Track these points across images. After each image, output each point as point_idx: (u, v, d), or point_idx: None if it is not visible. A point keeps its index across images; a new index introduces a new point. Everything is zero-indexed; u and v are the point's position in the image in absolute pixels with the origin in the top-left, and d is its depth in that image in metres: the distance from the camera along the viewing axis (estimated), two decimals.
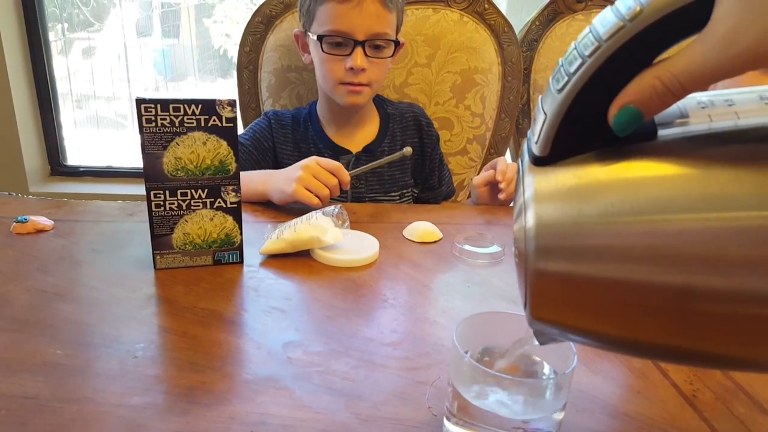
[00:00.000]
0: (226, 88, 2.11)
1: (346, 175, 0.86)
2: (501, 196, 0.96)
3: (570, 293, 0.28)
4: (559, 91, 0.27)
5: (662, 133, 0.27)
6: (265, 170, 0.93)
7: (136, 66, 2.07)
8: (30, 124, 1.87)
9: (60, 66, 1.94)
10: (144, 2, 2.03)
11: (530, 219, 0.28)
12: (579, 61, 0.26)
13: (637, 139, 0.27)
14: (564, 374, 0.38)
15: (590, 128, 0.27)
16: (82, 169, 2.00)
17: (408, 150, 0.92)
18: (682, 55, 0.24)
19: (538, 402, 0.39)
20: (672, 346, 0.28)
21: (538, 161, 0.29)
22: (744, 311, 0.25)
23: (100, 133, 2.11)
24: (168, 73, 2.17)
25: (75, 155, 2.03)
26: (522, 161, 0.31)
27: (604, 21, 0.25)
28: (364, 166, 0.93)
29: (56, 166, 1.98)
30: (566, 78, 0.26)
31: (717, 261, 0.25)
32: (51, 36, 1.88)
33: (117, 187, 1.96)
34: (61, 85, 1.95)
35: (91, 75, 2.04)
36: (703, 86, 0.24)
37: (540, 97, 0.29)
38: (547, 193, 0.28)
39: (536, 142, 0.29)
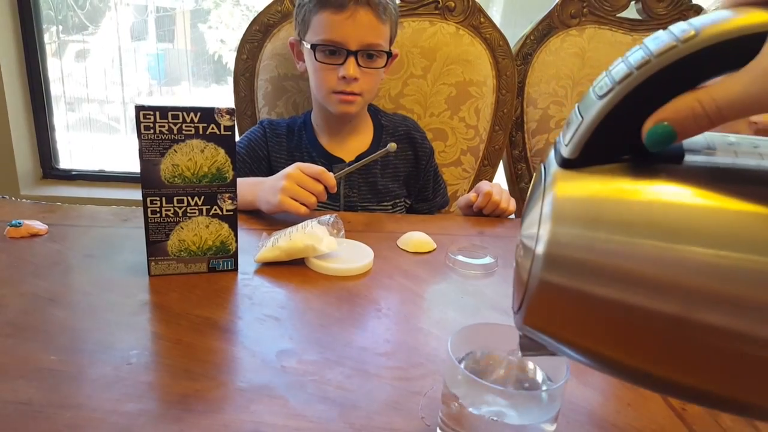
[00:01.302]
0: (220, 94, 2.11)
1: (331, 179, 0.86)
2: (485, 211, 1.00)
3: (570, 307, 0.29)
4: (601, 97, 0.27)
5: (688, 159, 0.28)
6: (255, 178, 0.93)
7: (129, 70, 2.07)
8: (23, 127, 1.86)
9: (53, 69, 1.93)
10: (139, 6, 2.03)
11: (547, 223, 0.28)
12: (626, 71, 0.26)
13: (664, 159, 0.28)
14: (557, 385, 0.39)
15: (622, 139, 0.28)
16: (74, 173, 1.99)
17: (392, 146, 0.93)
18: (725, 82, 0.25)
19: (530, 411, 0.39)
20: (661, 376, 0.29)
21: (566, 163, 0.29)
22: (739, 350, 0.25)
23: (93, 136, 2.10)
24: (162, 77, 2.17)
25: (67, 159, 2.02)
26: (546, 164, 0.31)
27: (656, 39, 0.26)
28: (349, 167, 0.93)
29: (48, 169, 1.97)
30: (610, 86, 0.27)
31: (721, 298, 0.25)
32: (45, 38, 1.88)
33: (109, 192, 1.95)
34: (55, 88, 1.95)
35: (84, 78, 2.03)
36: (740, 115, 0.25)
37: (577, 104, 0.29)
38: (569, 198, 0.28)
39: (566, 145, 0.29)
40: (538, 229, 0.29)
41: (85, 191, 1.94)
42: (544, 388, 0.42)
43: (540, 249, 0.28)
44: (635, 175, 0.28)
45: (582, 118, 0.28)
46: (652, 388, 0.31)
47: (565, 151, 0.29)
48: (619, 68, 0.27)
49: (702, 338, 0.26)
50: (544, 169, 0.31)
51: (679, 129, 0.26)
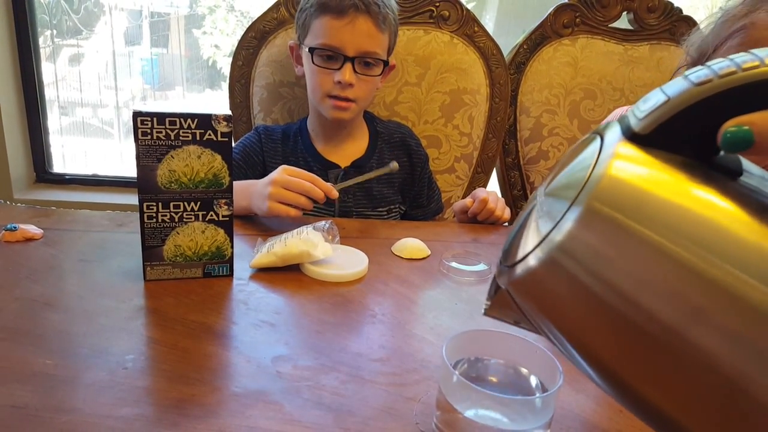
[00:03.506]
0: (214, 99, 2.11)
1: (322, 183, 0.85)
2: (479, 218, 1.01)
3: (578, 282, 0.28)
4: (697, 85, 0.27)
5: (743, 179, 0.28)
6: (247, 181, 0.93)
7: (123, 74, 2.06)
8: (17, 131, 1.85)
9: (48, 72, 1.93)
10: (133, 11, 2.03)
11: (597, 181, 0.28)
12: (732, 69, 0.26)
13: (722, 169, 0.28)
14: (550, 392, 0.39)
15: (697, 132, 0.28)
16: (67, 177, 1.98)
17: (395, 165, 0.93)
18: None
19: (524, 418, 0.40)
20: (635, 389, 0.28)
21: (632, 136, 0.29)
22: (724, 386, 0.25)
23: (86, 141, 2.10)
24: (156, 82, 2.17)
25: (60, 163, 2.01)
26: (602, 129, 0.31)
27: None
28: (350, 180, 0.93)
29: (42, 173, 1.96)
30: (709, 77, 0.27)
31: (727, 326, 0.25)
32: (40, 42, 1.87)
33: (102, 196, 1.94)
34: (49, 92, 1.94)
35: (78, 82, 2.03)
36: None
37: (661, 87, 0.29)
38: (625, 169, 0.28)
39: (641, 119, 0.28)
40: (585, 183, 0.28)
41: (78, 195, 1.93)
42: (537, 394, 0.43)
43: (584, 201, 0.28)
44: (691, 175, 0.27)
45: (668, 97, 0.28)
46: (622, 399, 0.31)
47: (637, 125, 0.28)
48: (723, 64, 0.27)
49: (690, 358, 0.26)
50: (599, 134, 0.31)
51: (758, 138, 0.26)
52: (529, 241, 0.30)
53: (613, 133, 0.30)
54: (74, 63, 2.03)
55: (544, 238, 0.29)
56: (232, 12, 2.12)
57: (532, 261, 0.29)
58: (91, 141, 2.10)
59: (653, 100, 0.29)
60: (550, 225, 0.29)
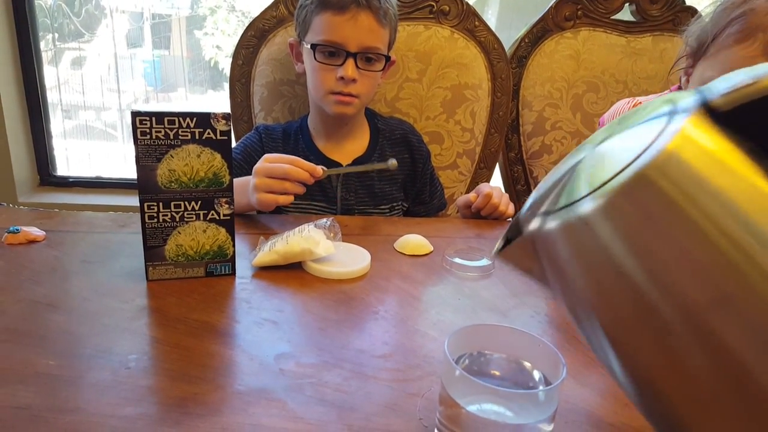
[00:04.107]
0: (216, 100, 2.11)
1: (305, 164, 0.84)
2: (483, 213, 1.00)
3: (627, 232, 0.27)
4: None
5: None
6: (242, 178, 0.93)
7: (126, 76, 2.07)
8: (20, 134, 1.86)
9: (50, 76, 1.93)
10: (135, 13, 2.03)
11: (668, 139, 0.26)
12: None
13: None
14: (553, 385, 0.39)
15: None
16: (71, 180, 1.99)
17: (393, 163, 0.93)
18: None
19: (527, 411, 0.40)
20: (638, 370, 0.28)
21: (709, 109, 0.27)
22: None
23: (90, 143, 2.10)
24: (158, 84, 2.17)
25: (64, 165, 2.02)
26: (676, 96, 0.30)
27: None
28: (342, 168, 0.93)
29: (45, 176, 1.97)
30: None
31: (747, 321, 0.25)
32: (42, 46, 1.88)
33: (106, 198, 1.95)
34: (51, 95, 1.95)
35: (81, 85, 2.04)
36: None
37: (745, 68, 0.28)
38: (693, 144, 0.27)
39: (723, 94, 0.27)
40: (647, 148, 0.27)
41: (82, 198, 1.94)
42: (540, 387, 0.42)
43: (641, 166, 0.26)
44: (760, 165, 0.26)
45: (758, 77, 0.26)
46: (625, 375, 0.30)
47: (717, 99, 0.27)
48: None
49: (703, 343, 0.25)
50: (671, 100, 0.29)
51: None
52: (575, 191, 0.29)
53: (688, 102, 0.28)
54: (77, 66, 2.04)
55: (592, 191, 0.27)
56: (233, 12, 2.12)
57: (575, 211, 0.28)
58: (94, 144, 2.11)
59: (738, 78, 0.27)
60: (602, 178, 0.27)
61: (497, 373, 0.44)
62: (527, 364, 0.43)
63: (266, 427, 0.46)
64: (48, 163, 1.96)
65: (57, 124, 1.99)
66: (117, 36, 2.01)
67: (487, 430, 0.40)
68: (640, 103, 0.86)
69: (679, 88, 0.83)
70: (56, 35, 1.95)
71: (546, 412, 0.39)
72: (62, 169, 2.01)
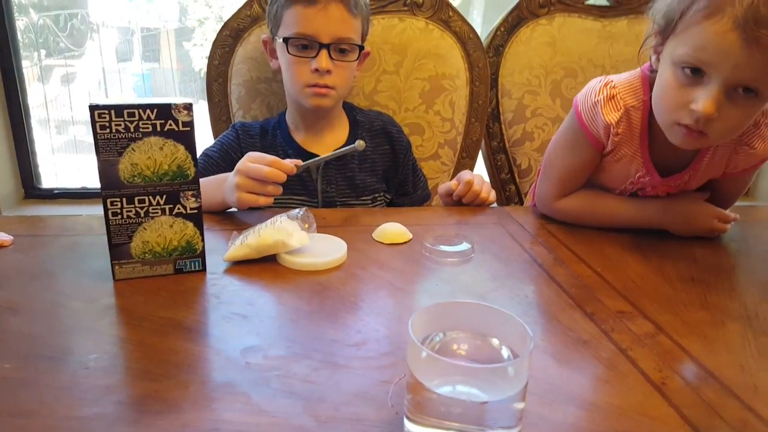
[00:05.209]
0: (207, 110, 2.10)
1: (285, 166, 0.82)
2: (464, 200, 0.98)
3: None
4: None
5: None
6: (218, 176, 0.91)
7: (116, 90, 2.06)
8: (3, 149, 1.84)
9: (37, 92, 1.91)
10: (123, 28, 2.02)
11: None
12: None
13: None
14: (521, 357, 0.37)
15: None
16: (56, 192, 1.96)
17: (361, 143, 0.91)
18: None
19: (496, 387, 0.38)
20: None
21: None
22: None
23: (79, 158, 2.09)
24: (149, 96, 2.16)
25: (52, 180, 2.00)
26: None
27: None
28: (314, 159, 0.91)
29: (30, 189, 1.94)
30: None
31: None
32: (27, 63, 1.86)
33: (92, 209, 1.92)
34: (39, 112, 1.93)
35: (69, 101, 2.02)
36: None
37: None
38: None
39: None
40: None
41: (68, 209, 1.91)
42: (509, 359, 0.40)
43: None
44: None
45: None
46: None
47: None
48: None
49: None
50: None
51: None
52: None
53: None
54: (65, 82, 2.02)
55: None
56: (221, 23, 2.10)
57: None
58: (83, 158, 2.09)
59: None
60: None
61: (463, 352, 0.42)
62: (495, 341, 0.41)
63: (228, 422, 0.44)
64: (33, 177, 1.94)
65: (45, 140, 1.97)
66: (106, 50, 1.99)
67: (455, 411, 0.38)
68: (612, 81, 0.85)
69: (651, 67, 0.81)
70: (43, 52, 1.93)
71: (516, 387, 0.37)
72: (49, 184, 1.99)
